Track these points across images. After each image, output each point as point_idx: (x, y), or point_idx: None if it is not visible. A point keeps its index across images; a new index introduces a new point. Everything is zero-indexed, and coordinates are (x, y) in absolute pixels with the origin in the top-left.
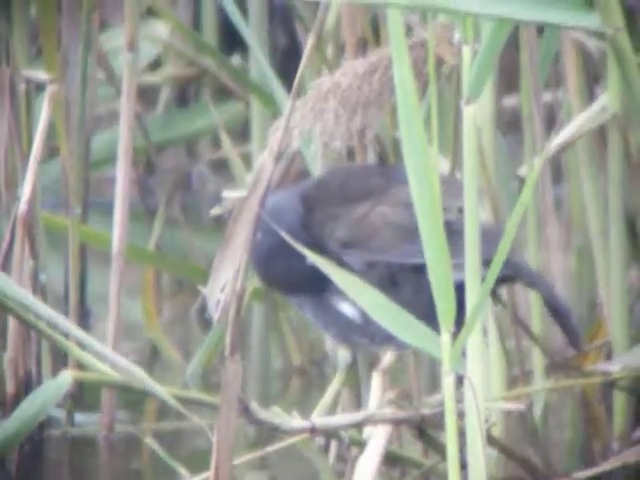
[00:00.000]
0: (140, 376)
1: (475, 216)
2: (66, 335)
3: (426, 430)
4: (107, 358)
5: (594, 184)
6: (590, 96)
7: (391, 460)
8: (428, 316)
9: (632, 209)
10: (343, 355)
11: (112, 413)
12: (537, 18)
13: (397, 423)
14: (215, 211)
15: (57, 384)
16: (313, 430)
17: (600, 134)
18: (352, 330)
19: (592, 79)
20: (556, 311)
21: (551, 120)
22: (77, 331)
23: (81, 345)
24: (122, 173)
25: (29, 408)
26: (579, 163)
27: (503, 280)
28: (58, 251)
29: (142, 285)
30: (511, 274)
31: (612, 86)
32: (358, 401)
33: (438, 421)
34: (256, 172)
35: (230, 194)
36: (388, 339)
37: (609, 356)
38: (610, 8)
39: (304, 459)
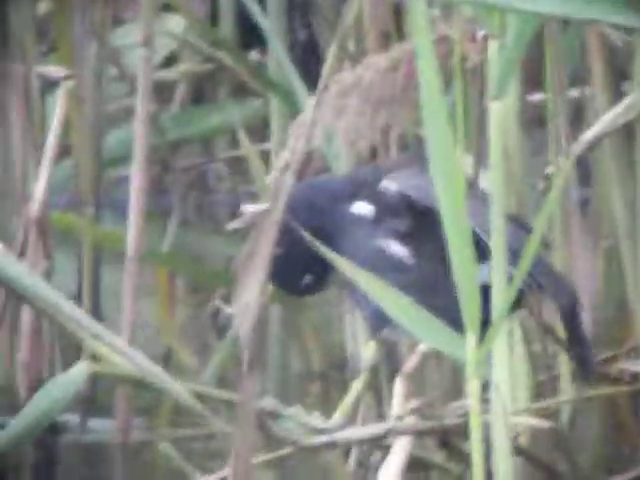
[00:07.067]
0: (156, 371)
1: (502, 216)
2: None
3: (450, 440)
4: (123, 352)
5: (622, 185)
6: (617, 91)
7: (414, 466)
8: (455, 319)
9: None
10: (366, 357)
11: (127, 418)
12: (575, 14)
13: (420, 434)
14: (234, 225)
15: (72, 377)
16: (333, 446)
17: (628, 133)
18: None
19: (619, 74)
20: (573, 335)
21: (578, 117)
22: (93, 324)
23: (97, 339)
24: (138, 173)
25: (43, 401)
26: (606, 163)
27: (530, 287)
28: (71, 252)
29: (156, 287)
30: (539, 282)
31: None
32: (379, 405)
33: (462, 430)
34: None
35: (250, 208)
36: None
37: (638, 360)
38: None
39: (322, 462)
